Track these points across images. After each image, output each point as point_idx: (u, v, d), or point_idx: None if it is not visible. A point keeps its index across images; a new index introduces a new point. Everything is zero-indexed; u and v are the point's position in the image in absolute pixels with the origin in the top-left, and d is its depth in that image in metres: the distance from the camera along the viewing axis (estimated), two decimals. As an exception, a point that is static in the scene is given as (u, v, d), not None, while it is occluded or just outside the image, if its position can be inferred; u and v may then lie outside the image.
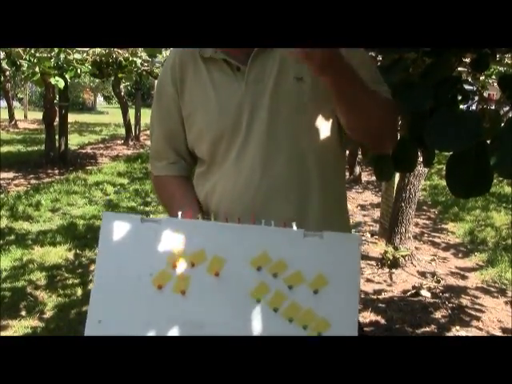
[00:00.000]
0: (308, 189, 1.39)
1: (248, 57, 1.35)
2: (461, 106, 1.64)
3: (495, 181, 8.24)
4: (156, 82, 1.57)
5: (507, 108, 1.67)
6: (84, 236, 5.90)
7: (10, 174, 9.75)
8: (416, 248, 5.51)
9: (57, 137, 10.90)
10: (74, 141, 13.90)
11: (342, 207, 1.53)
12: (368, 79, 1.28)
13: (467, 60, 1.88)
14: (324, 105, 1.35)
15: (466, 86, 1.89)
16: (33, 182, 9.20)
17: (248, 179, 1.37)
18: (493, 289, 4.61)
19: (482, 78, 5.44)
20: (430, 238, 6.15)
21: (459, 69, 1.91)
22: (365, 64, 1.34)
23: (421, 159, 2.04)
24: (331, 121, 1.40)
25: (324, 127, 1.39)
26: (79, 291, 4.32)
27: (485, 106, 1.75)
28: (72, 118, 16.17)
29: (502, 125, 1.49)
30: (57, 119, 10.79)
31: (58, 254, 5.24)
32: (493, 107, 1.89)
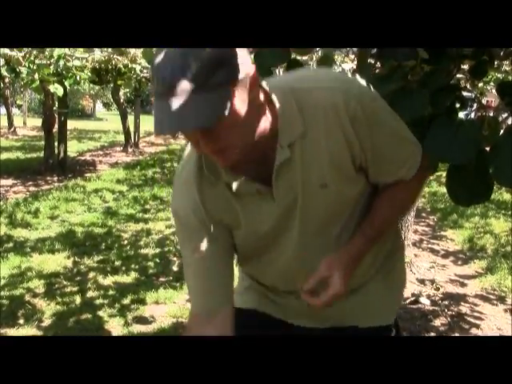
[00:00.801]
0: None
1: (267, 173, 1.27)
2: (460, 113, 1.63)
3: (494, 188, 8.23)
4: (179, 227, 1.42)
5: (506, 115, 1.66)
6: (83, 243, 5.89)
7: (9, 181, 9.75)
8: (415, 255, 5.50)
9: (56, 144, 10.90)
10: (73, 148, 13.90)
11: (396, 259, 1.61)
12: (397, 159, 1.33)
13: (466, 67, 1.88)
14: (350, 197, 1.36)
15: (465, 93, 1.89)
16: (32, 189, 9.19)
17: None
18: (492, 296, 4.60)
19: (480, 84, 5.44)
20: (429, 245, 6.14)
21: (458, 76, 1.90)
22: (393, 141, 1.31)
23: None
24: (361, 203, 1.39)
25: (352, 214, 1.39)
26: (78, 299, 4.31)
27: (483, 113, 1.74)
28: (71, 124, 16.18)
29: (501, 132, 1.49)
30: (56, 126, 10.79)
31: (57, 261, 5.23)
32: (491, 114, 1.88)
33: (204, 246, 1.34)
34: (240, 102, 1.10)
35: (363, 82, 1.29)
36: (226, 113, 1.06)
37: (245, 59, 1.10)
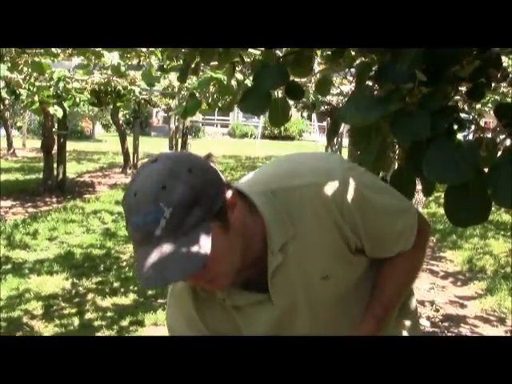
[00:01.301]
0: None
1: (261, 278, 1.22)
2: (458, 135, 1.64)
3: (493, 208, 8.23)
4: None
5: (503, 136, 1.67)
6: (81, 265, 5.88)
7: (8, 203, 9.75)
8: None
9: (55, 165, 10.93)
10: (72, 169, 13.92)
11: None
12: (393, 234, 1.29)
13: (463, 89, 1.89)
14: (355, 278, 1.31)
15: (463, 115, 1.90)
16: (30, 210, 9.19)
17: None
18: (492, 318, 4.59)
19: (478, 106, 5.47)
20: (429, 267, 6.13)
21: (455, 98, 1.91)
22: (385, 218, 1.29)
23: (419, 187, 2.04)
24: (366, 277, 1.34)
25: (360, 290, 1.34)
26: (76, 321, 4.29)
27: (481, 135, 1.75)
28: (70, 146, 16.21)
29: (499, 153, 1.49)
30: (55, 147, 10.82)
31: (55, 283, 5.21)
32: (489, 135, 1.89)
33: None
34: (222, 233, 1.07)
35: (343, 161, 1.28)
36: (210, 250, 1.02)
37: (219, 186, 1.06)
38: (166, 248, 0.99)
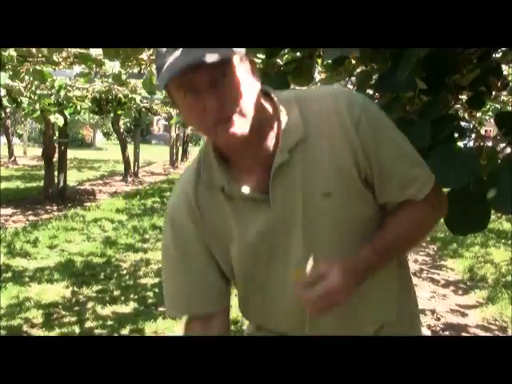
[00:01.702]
0: (359, 299, 1.28)
1: (264, 180, 1.23)
2: (458, 143, 1.65)
3: (494, 217, 8.24)
4: (168, 230, 1.36)
5: (504, 145, 1.68)
6: (81, 273, 5.87)
7: (9, 211, 9.75)
8: (415, 285, 5.47)
9: (56, 173, 10.94)
10: (72, 177, 13.94)
11: (405, 290, 1.48)
12: (401, 197, 1.27)
13: (464, 97, 1.90)
14: (359, 215, 1.27)
15: (463, 124, 1.90)
16: (31, 218, 9.19)
17: (296, 313, 1.30)
18: (493, 326, 4.58)
19: (478, 114, 5.49)
20: (429, 275, 6.12)
21: (456, 106, 1.92)
22: (399, 156, 1.26)
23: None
24: (371, 226, 1.29)
25: (363, 237, 1.28)
26: (76, 329, 4.28)
27: (481, 143, 1.76)
28: (71, 154, 16.25)
29: (499, 161, 1.50)
30: (56, 155, 10.84)
31: (55, 291, 5.20)
32: (490, 144, 1.90)
33: (196, 246, 1.32)
34: (244, 70, 1.14)
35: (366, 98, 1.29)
36: (237, 55, 1.11)
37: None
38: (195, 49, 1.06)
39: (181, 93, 1.12)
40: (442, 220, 1.46)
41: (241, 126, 1.13)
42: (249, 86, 1.14)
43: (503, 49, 1.92)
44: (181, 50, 1.06)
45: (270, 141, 1.23)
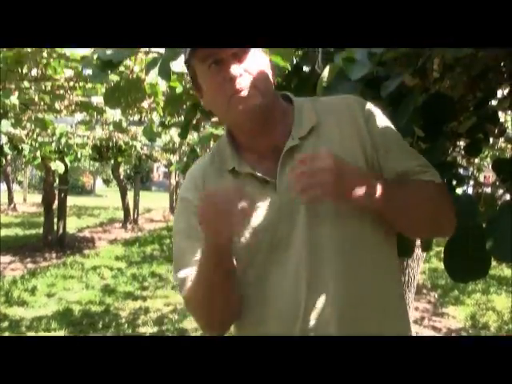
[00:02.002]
0: (360, 300, 1.25)
1: (274, 166, 1.27)
2: (458, 190, 1.66)
3: (494, 263, 8.21)
4: (178, 207, 1.41)
5: (502, 191, 1.69)
6: (79, 322, 5.81)
7: (7, 258, 9.70)
8: (416, 333, 5.42)
9: (55, 220, 10.94)
10: (72, 224, 13.92)
11: (400, 311, 1.38)
12: (410, 168, 1.28)
13: (462, 143, 1.92)
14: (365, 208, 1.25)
15: (462, 170, 1.92)
16: (29, 266, 9.14)
17: (293, 298, 1.25)
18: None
19: (477, 160, 5.53)
20: (431, 323, 6.06)
21: (454, 153, 1.94)
22: (405, 152, 1.31)
23: (419, 242, 2.03)
24: (378, 223, 1.28)
25: (371, 232, 1.28)
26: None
27: (480, 190, 1.77)
28: (71, 201, 16.26)
29: (498, 208, 1.51)
30: (56, 202, 10.86)
31: (53, 339, 5.14)
32: (489, 189, 1.90)
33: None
34: (263, 56, 1.29)
35: None
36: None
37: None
38: None
39: (205, 65, 1.24)
40: (443, 266, 1.46)
41: (254, 98, 1.23)
42: (266, 68, 1.28)
43: (499, 96, 1.96)
44: None
45: (282, 129, 1.30)
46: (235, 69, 1.21)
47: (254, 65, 1.25)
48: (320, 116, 1.30)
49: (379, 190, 1.18)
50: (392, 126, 1.33)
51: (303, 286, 1.24)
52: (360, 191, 1.16)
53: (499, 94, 2.00)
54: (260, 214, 1.27)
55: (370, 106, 1.32)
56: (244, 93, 1.22)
